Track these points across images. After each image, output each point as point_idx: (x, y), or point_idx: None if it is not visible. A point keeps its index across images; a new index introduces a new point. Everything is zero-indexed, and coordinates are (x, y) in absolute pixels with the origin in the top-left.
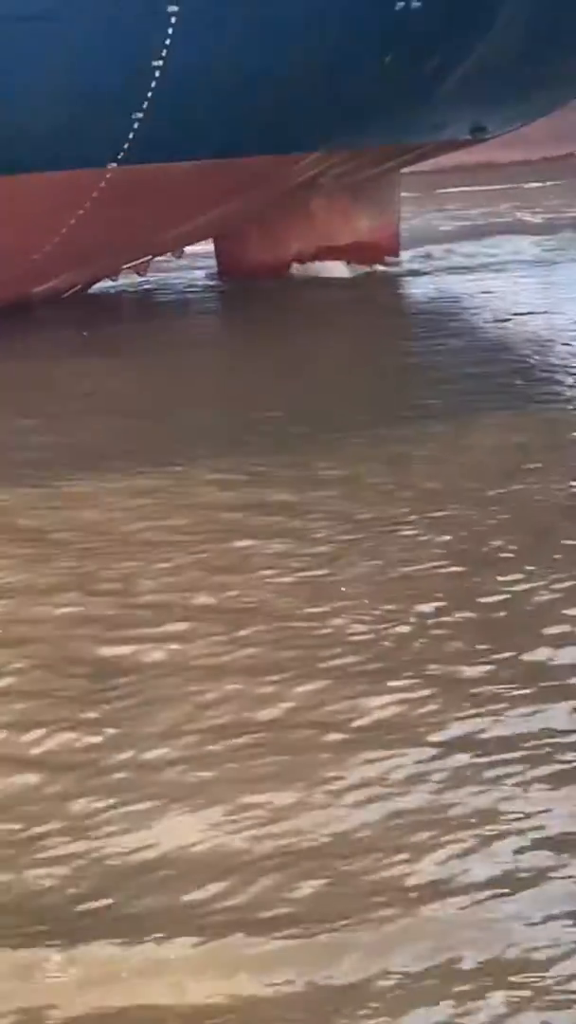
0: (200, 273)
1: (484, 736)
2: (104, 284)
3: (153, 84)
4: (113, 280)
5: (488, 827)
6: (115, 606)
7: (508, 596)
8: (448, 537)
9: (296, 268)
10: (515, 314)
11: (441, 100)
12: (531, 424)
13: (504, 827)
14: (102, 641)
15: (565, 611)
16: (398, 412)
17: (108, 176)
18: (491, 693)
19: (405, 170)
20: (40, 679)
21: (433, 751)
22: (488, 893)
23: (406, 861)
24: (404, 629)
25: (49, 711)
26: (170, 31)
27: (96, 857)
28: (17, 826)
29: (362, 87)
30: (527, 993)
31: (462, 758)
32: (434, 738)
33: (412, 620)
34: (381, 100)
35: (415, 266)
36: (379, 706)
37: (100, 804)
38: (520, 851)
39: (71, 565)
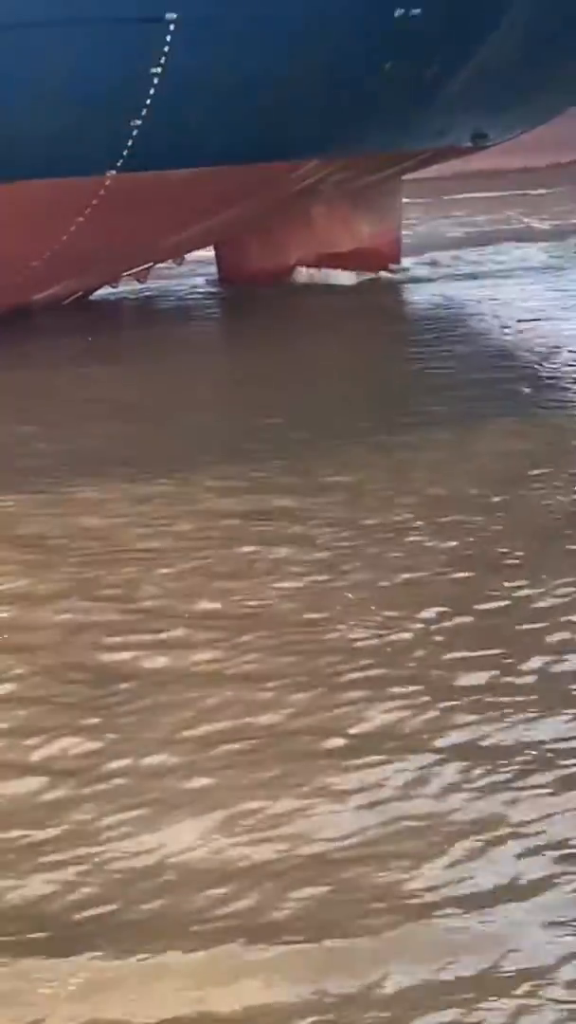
0: (201, 280)
1: (486, 743)
2: (105, 291)
3: (152, 91)
4: (114, 287)
5: (491, 834)
6: (116, 612)
7: (511, 603)
8: (451, 543)
9: (303, 273)
10: (521, 321)
11: (441, 107)
12: (536, 431)
13: (507, 834)
14: (103, 647)
15: (568, 617)
16: (401, 418)
17: (107, 183)
18: (494, 700)
19: (413, 176)
20: (41, 685)
21: (435, 758)
22: (491, 900)
23: (408, 868)
24: (407, 635)
25: (50, 717)
26: (169, 38)
27: (96, 864)
28: (16, 833)
29: (362, 94)
30: (533, 1001)
31: (465, 765)
32: (436, 745)
33: (415, 626)
34: (381, 107)
35: (421, 272)
36: (381, 712)
37: (101, 811)
38: (522, 858)
39: (72, 571)
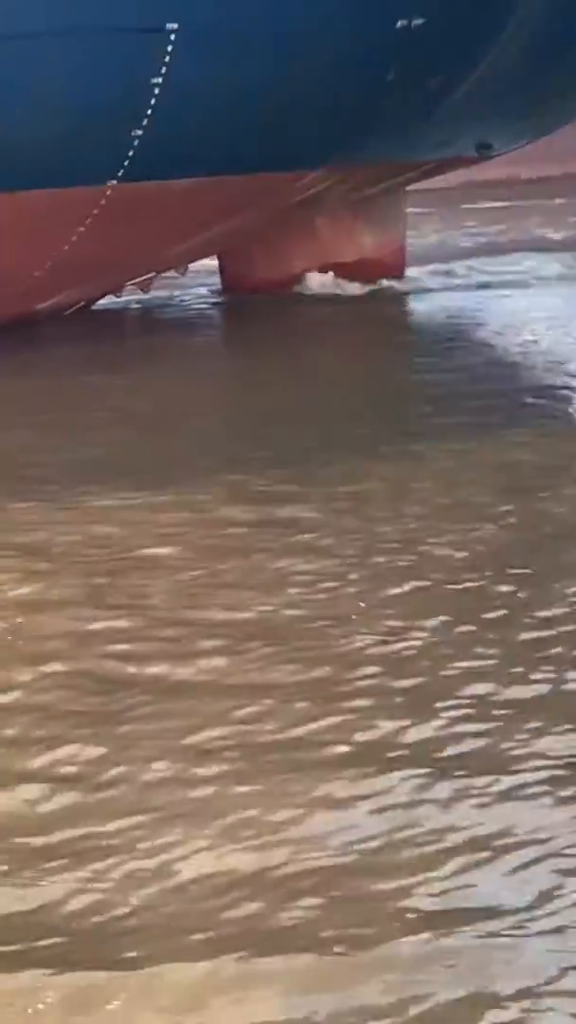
0: (204, 290)
1: (492, 754)
2: (108, 300)
3: (153, 101)
4: (117, 296)
5: (496, 846)
6: (124, 620)
7: (518, 613)
8: (458, 553)
9: (314, 280)
10: (533, 331)
11: (445, 117)
12: (544, 441)
13: (511, 845)
14: (110, 655)
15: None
16: (408, 428)
17: (108, 193)
18: (501, 711)
19: (426, 186)
20: (47, 693)
21: (441, 768)
22: (495, 913)
23: (412, 880)
24: (413, 645)
25: (55, 725)
26: (169, 48)
27: (97, 873)
28: (18, 840)
29: (364, 104)
30: (536, 1015)
31: (470, 776)
32: (442, 755)
33: (422, 636)
34: (384, 117)
35: (433, 282)
36: (388, 722)
37: (103, 819)
38: (527, 870)
39: (79, 579)
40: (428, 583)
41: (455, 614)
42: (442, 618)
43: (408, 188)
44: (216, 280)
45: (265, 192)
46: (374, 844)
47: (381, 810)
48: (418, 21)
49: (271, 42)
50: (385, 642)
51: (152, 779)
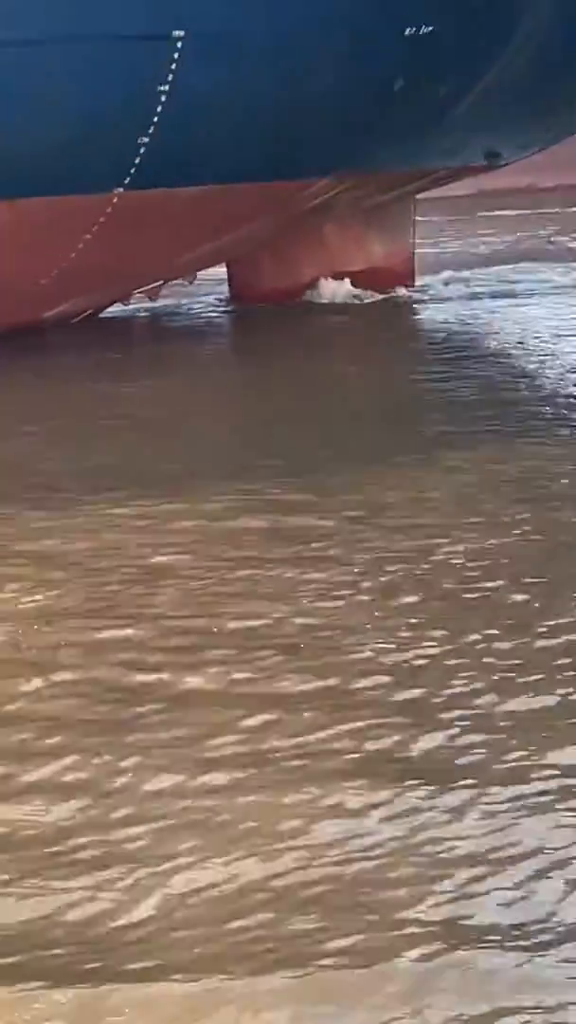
0: (212, 298)
1: (506, 766)
2: (116, 308)
3: (159, 108)
4: (125, 304)
5: (512, 858)
6: (134, 630)
7: (534, 623)
8: (471, 562)
9: (328, 287)
10: (545, 341)
11: (453, 125)
12: (556, 450)
13: (527, 859)
14: (120, 665)
15: None
16: (419, 437)
17: (115, 201)
18: (515, 722)
19: (442, 193)
20: (57, 703)
21: (452, 780)
22: (506, 930)
23: (426, 893)
24: (426, 655)
25: (63, 735)
26: (176, 55)
27: (103, 885)
28: (22, 852)
29: (372, 112)
30: None
31: (483, 788)
32: (455, 767)
33: (434, 647)
34: (392, 125)
35: (447, 291)
36: (400, 734)
37: (112, 831)
38: (538, 883)
39: (90, 588)
40: (441, 593)
41: (468, 624)
42: (454, 628)
43: (423, 196)
44: (225, 288)
45: (272, 200)
46: (382, 855)
47: (390, 821)
48: (426, 30)
49: (278, 50)
50: (396, 652)
51: (160, 788)
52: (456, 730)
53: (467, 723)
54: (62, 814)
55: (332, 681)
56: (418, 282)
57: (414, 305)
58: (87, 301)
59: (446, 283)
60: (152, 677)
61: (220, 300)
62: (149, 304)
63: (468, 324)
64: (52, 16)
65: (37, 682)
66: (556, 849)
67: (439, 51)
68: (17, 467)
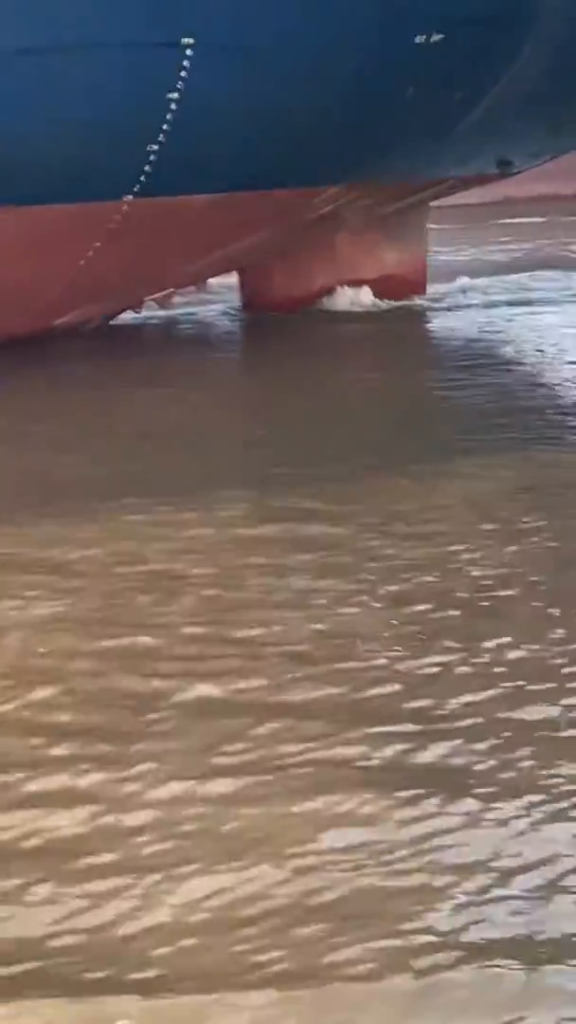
0: (224, 306)
1: (517, 776)
2: (127, 316)
3: (169, 116)
4: (136, 312)
5: (521, 869)
6: (152, 639)
7: (549, 632)
8: (485, 571)
9: (344, 295)
10: (563, 349)
11: (465, 134)
12: (572, 459)
13: (536, 870)
14: (138, 674)
15: None
16: (434, 446)
17: (124, 208)
18: (527, 731)
19: (463, 200)
20: (73, 712)
21: (463, 790)
22: (521, 946)
23: (434, 905)
24: (439, 664)
25: (80, 744)
26: (186, 63)
27: (110, 895)
28: (29, 861)
29: (383, 120)
30: None
31: (496, 800)
32: (466, 777)
33: (447, 656)
34: (403, 133)
35: (464, 298)
36: (410, 743)
37: (120, 840)
38: (555, 897)
39: (104, 597)
40: (454, 601)
41: (481, 632)
42: (468, 636)
43: (441, 203)
44: (236, 297)
45: (283, 208)
46: (391, 864)
47: (400, 830)
48: (437, 37)
49: (288, 57)
50: (408, 660)
51: (169, 796)
52: (467, 739)
53: (478, 732)
54: (71, 822)
55: (344, 689)
56: (435, 290)
57: (430, 313)
58: (98, 309)
59: (463, 291)
60: (164, 685)
61: (232, 308)
62: (160, 312)
63: (485, 332)
64: (62, 24)
65: (49, 690)
66: (567, 858)
67: (450, 59)
68: (32, 475)
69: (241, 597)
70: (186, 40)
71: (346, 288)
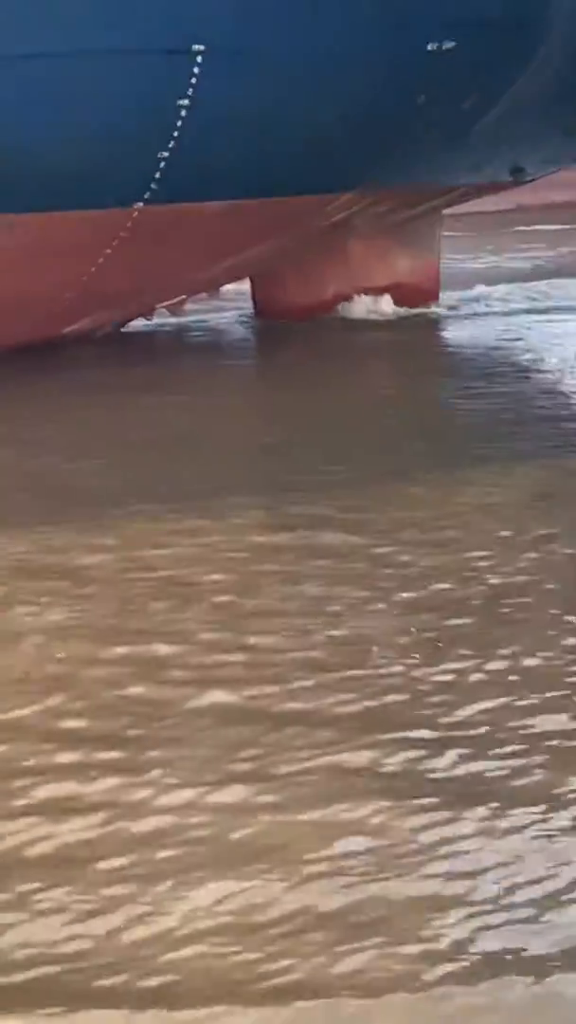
0: (236, 314)
1: (532, 787)
2: (139, 323)
3: (179, 123)
4: (148, 319)
5: (534, 882)
6: (168, 646)
7: (565, 641)
8: (501, 580)
9: (362, 303)
10: None
11: (477, 141)
12: None
13: (557, 884)
14: (152, 681)
15: None
16: (450, 453)
17: (135, 215)
18: (542, 741)
19: (485, 207)
20: (82, 720)
21: (475, 801)
22: (534, 961)
23: (444, 919)
24: (452, 671)
25: (93, 753)
26: (196, 69)
27: (118, 906)
28: (36, 870)
29: (394, 127)
30: None
31: (509, 810)
32: (479, 788)
33: (461, 665)
34: (414, 140)
35: (482, 305)
36: (423, 752)
37: (128, 849)
38: (565, 912)
39: (117, 605)
40: (469, 609)
41: (498, 640)
42: (482, 645)
43: (460, 211)
44: (248, 304)
45: (295, 216)
46: (402, 875)
47: (410, 840)
48: (448, 44)
49: (298, 64)
50: (422, 668)
51: (180, 804)
52: (480, 748)
53: (492, 741)
54: (81, 828)
55: (358, 697)
56: (452, 297)
57: (447, 320)
58: (109, 315)
59: (481, 298)
60: (177, 692)
61: (244, 315)
62: (172, 319)
63: (502, 339)
64: (72, 30)
65: (62, 696)
66: None
67: (462, 66)
68: (45, 481)
69: (255, 604)
70: (197, 47)
71: (363, 296)
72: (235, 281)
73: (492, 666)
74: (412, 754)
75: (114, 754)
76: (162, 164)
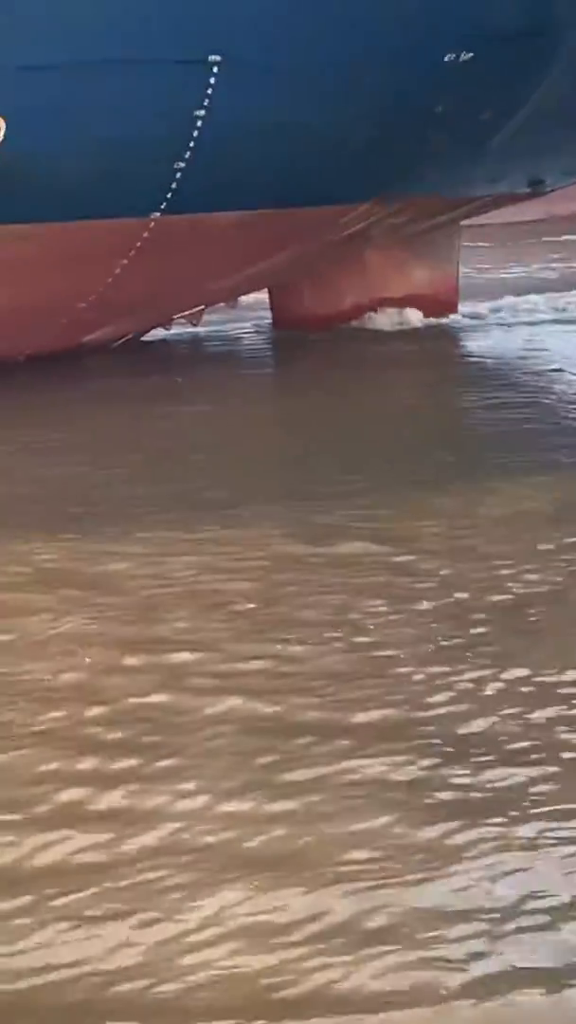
0: (254, 324)
1: (555, 804)
2: (157, 333)
3: (195, 133)
4: (166, 329)
5: (559, 897)
6: (189, 653)
7: None
8: (523, 589)
9: (385, 314)
10: None
11: (495, 152)
12: None
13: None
14: (164, 691)
15: None
16: (473, 464)
17: (152, 225)
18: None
19: (513, 217)
20: (98, 728)
21: (510, 818)
22: (544, 979)
23: (470, 930)
24: (474, 685)
25: (101, 760)
26: (212, 80)
27: (124, 916)
28: (52, 890)
29: (412, 138)
30: None
31: (545, 828)
32: (512, 805)
33: (482, 672)
34: (432, 151)
35: (506, 316)
36: (444, 768)
37: (138, 862)
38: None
39: (138, 614)
40: (496, 619)
41: (523, 651)
42: (509, 655)
43: (490, 221)
44: (266, 314)
45: (311, 226)
46: (418, 886)
47: (428, 851)
48: (466, 56)
49: (315, 74)
50: (447, 679)
51: (195, 813)
52: (503, 759)
53: (514, 753)
54: (96, 836)
55: (375, 707)
56: (479, 307)
57: (472, 331)
58: (126, 326)
59: (506, 308)
60: (197, 701)
61: (262, 326)
62: (190, 329)
63: (527, 350)
64: (88, 41)
65: (81, 704)
66: None
67: (480, 77)
68: (67, 493)
69: (277, 613)
70: (213, 57)
71: (389, 308)
72: (254, 291)
73: (511, 676)
74: (428, 763)
75: (132, 761)
76: (178, 174)
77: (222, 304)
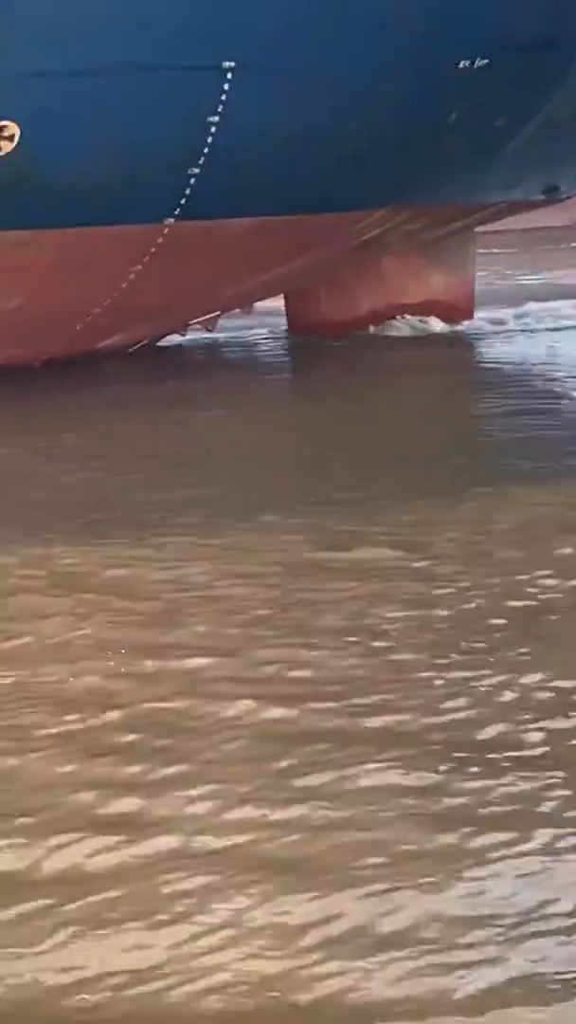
0: (269, 330)
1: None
2: (172, 339)
3: (209, 139)
4: (181, 335)
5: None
6: (207, 659)
7: None
8: (543, 595)
9: (404, 322)
10: None
11: (509, 159)
12: None
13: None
14: (178, 696)
15: None
16: (489, 472)
17: (166, 231)
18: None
19: (535, 223)
20: (109, 733)
21: (529, 825)
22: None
23: (478, 942)
24: (486, 693)
25: (111, 767)
26: (226, 86)
27: (132, 922)
28: (56, 899)
29: (426, 145)
30: None
31: (562, 834)
32: (531, 813)
33: (499, 689)
34: (446, 158)
35: (528, 322)
36: (454, 776)
37: (147, 869)
38: None
39: (154, 619)
40: (509, 627)
41: (536, 660)
42: (530, 663)
43: (507, 226)
44: (282, 320)
45: (326, 233)
46: (436, 894)
47: (440, 857)
48: (481, 63)
49: (329, 81)
50: (467, 686)
51: (208, 818)
52: (513, 767)
53: (533, 761)
54: (109, 845)
55: (390, 713)
56: (501, 314)
57: (493, 337)
58: (141, 331)
59: (529, 314)
60: (212, 707)
61: (277, 332)
62: (206, 334)
63: (548, 356)
64: (102, 47)
65: (97, 709)
66: None
67: (494, 84)
68: (84, 497)
69: (293, 618)
70: (227, 63)
71: (407, 316)
72: (270, 297)
73: (528, 682)
74: (444, 768)
75: (147, 765)
76: (192, 180)
77: (237, 310)
